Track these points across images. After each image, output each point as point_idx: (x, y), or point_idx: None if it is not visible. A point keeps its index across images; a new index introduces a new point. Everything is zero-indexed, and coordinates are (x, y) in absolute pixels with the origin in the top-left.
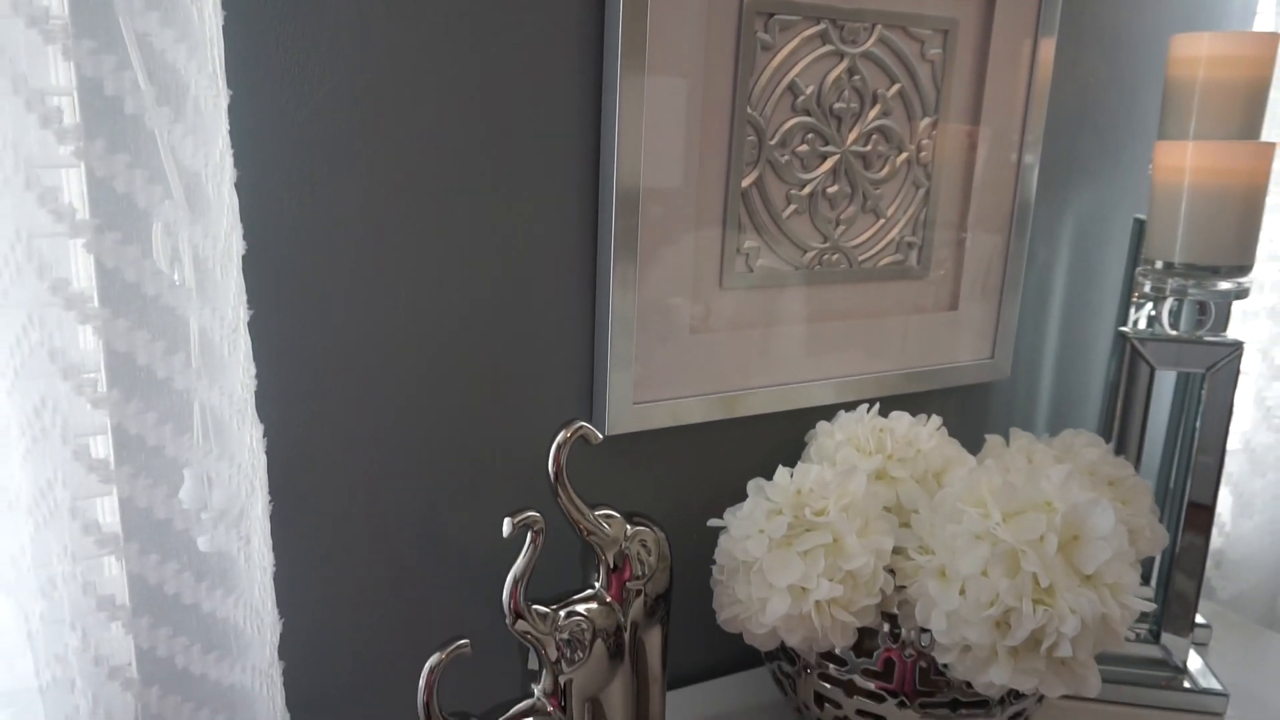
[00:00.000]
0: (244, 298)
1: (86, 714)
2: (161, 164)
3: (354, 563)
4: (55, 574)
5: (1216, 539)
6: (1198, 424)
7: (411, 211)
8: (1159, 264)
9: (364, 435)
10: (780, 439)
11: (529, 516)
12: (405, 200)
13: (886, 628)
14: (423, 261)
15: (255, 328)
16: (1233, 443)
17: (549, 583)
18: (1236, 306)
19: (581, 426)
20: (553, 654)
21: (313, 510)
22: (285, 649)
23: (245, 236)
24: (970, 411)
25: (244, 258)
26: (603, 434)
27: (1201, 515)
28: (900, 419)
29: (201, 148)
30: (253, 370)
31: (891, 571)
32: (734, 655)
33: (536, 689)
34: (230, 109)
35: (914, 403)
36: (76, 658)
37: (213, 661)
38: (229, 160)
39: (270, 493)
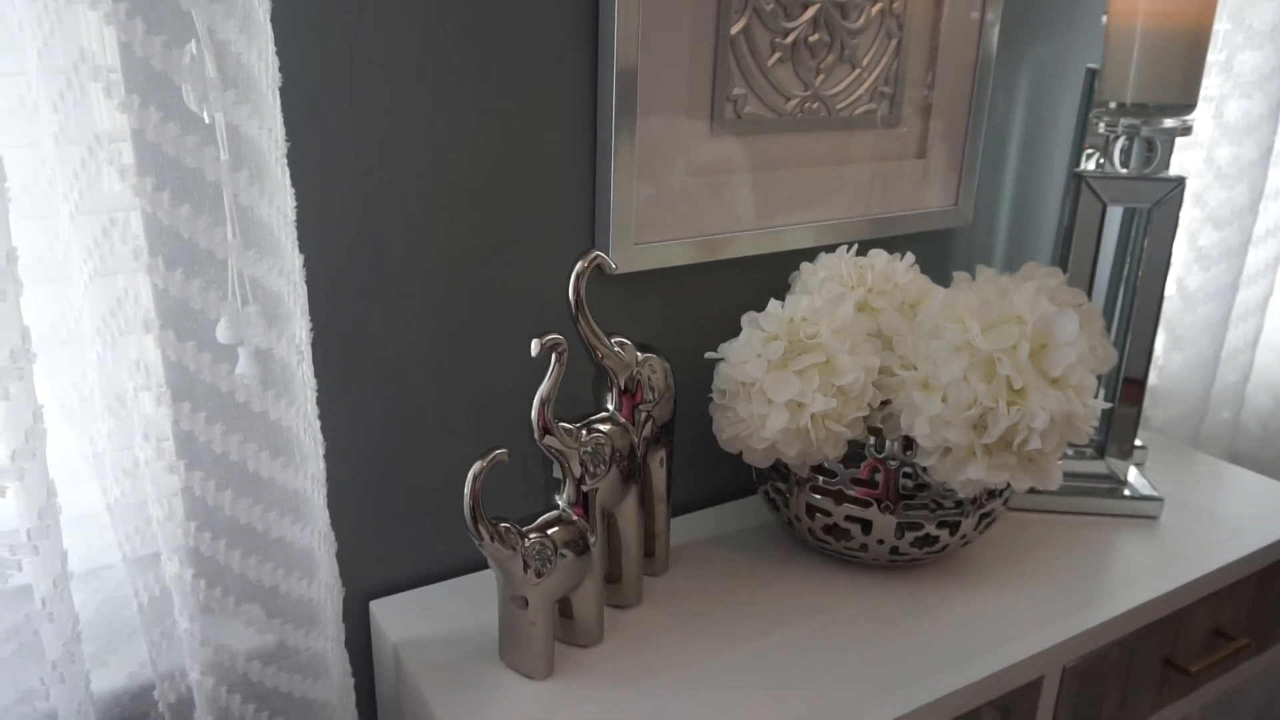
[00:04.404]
0: (283, 130)
1: (159, 523)
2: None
3: (379, 392)
4: (124, 390)
5: (1150, 373)
6: (1143, 254)
7: (426, 60)
8: (1112, 104)
9: (385, 270)
10: (762, 283)
11: (554, 338)
12: (422, 50)
13: (872, 441)
14: (437, 107)
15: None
16: (1168, 287)
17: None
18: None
19: (598, 256)
20: (576, 469)
21: (344, 341)
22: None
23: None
24: (934, 257)
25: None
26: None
27: (1142, 347)
28: (878, 255)
29: None
30: (293, 200)
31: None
32: (726, 487)
33: (560, 500)
34: None
35: (883, 247)
36: (149, 469)
37: (279, 466)
38: None
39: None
